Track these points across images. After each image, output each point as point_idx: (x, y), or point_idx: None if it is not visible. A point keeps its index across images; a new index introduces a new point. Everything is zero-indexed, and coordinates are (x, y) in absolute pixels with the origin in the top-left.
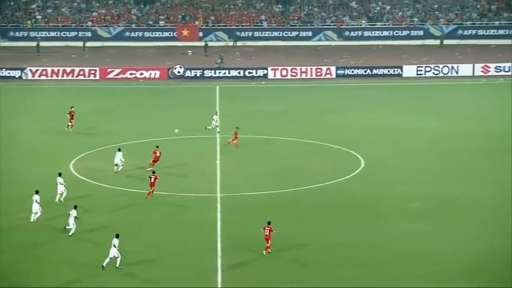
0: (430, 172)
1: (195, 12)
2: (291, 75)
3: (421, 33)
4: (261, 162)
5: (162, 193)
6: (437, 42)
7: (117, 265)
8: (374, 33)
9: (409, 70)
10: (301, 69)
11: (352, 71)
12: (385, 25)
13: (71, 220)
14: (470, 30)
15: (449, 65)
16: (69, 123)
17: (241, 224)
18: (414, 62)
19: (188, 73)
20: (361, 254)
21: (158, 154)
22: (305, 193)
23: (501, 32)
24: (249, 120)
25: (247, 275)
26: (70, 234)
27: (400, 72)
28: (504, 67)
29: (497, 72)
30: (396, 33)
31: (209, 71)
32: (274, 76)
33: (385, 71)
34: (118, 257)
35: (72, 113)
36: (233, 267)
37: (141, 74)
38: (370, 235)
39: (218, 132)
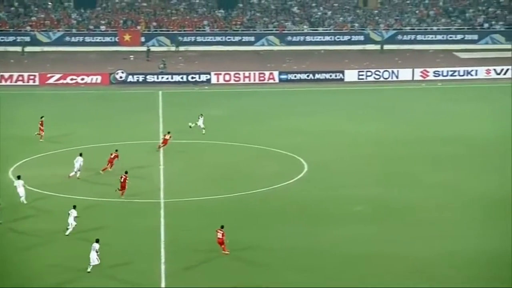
0: (373, 176)
1: (137, 16)
2: (234, 80)
3: (361, 38)
4: (205, 167)
5: (106, 200)
6: (378, 47)
7: (89, 270)
8: (316, 38)
9: (350, 75)
10: (244, 74)
11: (295, 76)
12: (326, 30)
13: (71, 220)
14: (409, 35)
15: (390, 70)
16: (39, 133)
17: (185, 229)
18: (355, 66)
19: (130, 78)
20: (306, 257)
21: (112, 157)
22: (250, 198)
23: (439, 37)
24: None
25: (191, 280)
26: (67, 233)
27: (342, 77)
28: (442, 71)
29: (435, 76)
30: (338, 38)
31: (152, 76)
32: (217, 81)
33: (327, 76)
34: (97, 263)
35: (42, 123)
36: (176, 271)
37: (82, 79)
38: (314, 239)
39: (203, 134)
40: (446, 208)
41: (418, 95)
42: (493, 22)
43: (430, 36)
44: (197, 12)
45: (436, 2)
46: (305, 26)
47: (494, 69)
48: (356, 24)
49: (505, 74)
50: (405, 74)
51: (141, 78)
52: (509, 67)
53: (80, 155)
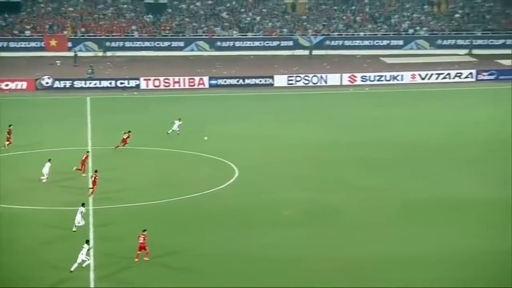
0: (303, 180)
1: (63, 21)
2: (164, 86)
3: (290, 43)
4: (135, 174)
5: (33, 208)
6: (306, 52)
7: (83, 265)
8: (246, 43)
9: (280, 80)
10: (174, 79)
11: (225, 81)
12: (256, 35)
13: (79, 217)
14: (337, 41)
15: (318, 75)
16: (7, 142)
17: (114, 236)
18: (284, 72)
19: (57, 84)
20: (236, 262)
21: (83, 158)
22: (180, 204)
23: (365, 42)
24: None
25: (120, 286)
26: (74, 229)
27: (272, 82)
28: (369, 76)
29: (363, 81)
30: (267, 43)
31: (79, 81)
32: (147, 86)
33: (257, 81)
34: (88, 261)
35: (10, 131)
36: (105, 278)
37: (7, 85)
38: (244, 243)
39: (168, 132)
40: (375, 212)
41: (347, 100)
42: (417, 28)
43: (357, 41)
44: (125, 17)
45: (362, 8)
46: (234, 32)
47: (419, 74)
48: (285, 30)
49: (429, 79)
50: (333, 79)
51: (68, 83)
52: (433, 72)
53: (49, 160)
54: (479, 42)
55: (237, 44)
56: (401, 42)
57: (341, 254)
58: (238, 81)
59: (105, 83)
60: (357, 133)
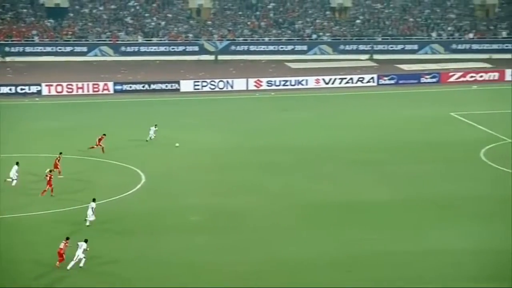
0: (210, 184)
1: None
2: (67, 91)
3: (196, 48)
4: (42, 181)
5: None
6: (212, 57)
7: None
8: (151, 48)
9: (186, 85)
10: (77, 85)
11: (130, 87)
12: (161, 40)
13: (90, 212)
14: (243, 46)
15: (225, 80)
16: None
17: (23, 245)
18: (191, 77)
19: None
20: (144, 268)
21: (57, 162)
22: (84, 211)
23: (270, 48)
24: (24, 139)
25: None
26: (88, 224)
27: (178, 87)
28: (275, 81)
29: (268, 86)
30: (173, 48)
31: None
32: (49, 92)
33: (163, 86)
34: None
35: None
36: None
37: None
38: (153, 249)
39: (148, 140)
40: (278, 215)
41: (253, 105)
42: (320, 34)
43: (262, 46)
44: (25, 21)
45: (266, 14)
46: (139, 37)
47: (323, 79)
48: (191, 35)
49: (333, 83)
50: (239, 84)
51: None
52: (336, 76)
53: (17, 164)
54: (380, 47)
55: (142, 49)
56: (305, 47)
57: (246, 258)
58: (143, 87)
59: (4, 89)
60: (263, 138)
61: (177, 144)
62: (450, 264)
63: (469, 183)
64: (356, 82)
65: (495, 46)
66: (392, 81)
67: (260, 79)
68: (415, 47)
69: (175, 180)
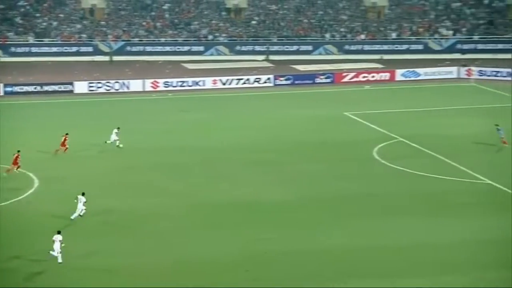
0: (108, 187)
1: None
2: None
3: (90, 49)
4: None
5: None
6: (107, 58)
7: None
8: (43, 49)
9: (80, 86)
10: None
11: (21, 88)
12: (53, 41)
13: (80, 206)
14: (138, 47)
15: (120, 81)
16: None
17: None
18: (85, 78)
19: None
20: (56, 271)
21: (15, 157)
22: None
23: (167, 48)
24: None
25: None
26: (81, 214)
27: (72, 89)
28: (172, 82)
29: (166, 87)
30: (66, 49)
31: None
32: None
33: (57, 88)
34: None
35: None
36: None
37: None
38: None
39: (118, 146)
40: (179, 216)
41: (150, 106)
42: (217, 34)
43: (159, 47)
44: None
45: (162, 14)
46: (30, 37)
47: (220, 79)
48: (84, 35)
49: (230, 84)
50: (136, 85)
51: None
52: (233, 77)
53: None
54: (276, 48)
55: (34, 50)
56: (201, 48)
57: (145, 259)
58: (35, 88)
59: None
60: (163, 139)
61: (121, 145)
62: (346, 261)
63: (362, 181)
64: (253, 83)
65: (385, 47)
66: (288, 82)
67: (157, 80)
68: (310, 48)
69: (74, 183)
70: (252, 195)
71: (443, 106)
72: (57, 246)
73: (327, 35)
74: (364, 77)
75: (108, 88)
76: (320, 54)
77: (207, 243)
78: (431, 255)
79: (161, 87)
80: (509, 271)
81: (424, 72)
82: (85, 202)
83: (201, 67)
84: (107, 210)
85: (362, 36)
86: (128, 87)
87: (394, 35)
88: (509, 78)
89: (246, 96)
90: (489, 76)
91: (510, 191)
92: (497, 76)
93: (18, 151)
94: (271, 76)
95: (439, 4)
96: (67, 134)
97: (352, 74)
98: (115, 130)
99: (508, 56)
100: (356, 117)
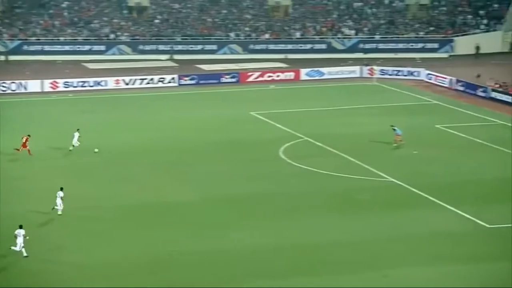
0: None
1: None
2: None
3: None
4: None
5: None
6: (2, 57)
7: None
8: None
9: None
10: None
11: None
12: None
13: (59, 201)
14: (36, 46)
15: (17, 81)
16: None
17: None
18: None
19: None
20: None
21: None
22: None
23: (66, 48)
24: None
25: None
26: (59, 213)
27: None
28: (72, 82)
29: (66, 87)
30: None
31: None
32: None
33: None
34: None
35: None
36: None
37: None
38: None
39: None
40: (87, 218)
41: (50, 107)
42: (118, 33)
43: (58, 46)
44: None
45: (60, 13)
46: None
47: (123, 79)
48: None
49: (133, 84)
50: (34, 85)
51: None
52: (137, 77)
53: None
54: (180, 47)
55: None
56: (103, 47)
57: (50, 265)
58: None
59: None
60: (62, 141)
61: (96, 150)
62: (255, 261)
63: (268, 181)
64: (157, 83)
65: (290, 46)
66: (193, 81)
67: (57, 80)
68: (214, 47)
69: None
70: (157, 196)
71: (346, 105)
72: (19, 240)
73: (232, 34)
74: (269, 76)
75: (4, 89)
76: (225, 53)
77: (112, 245)
78: (337, 253)
79: (61, 88)
80: (412, 268)
81: (328, 72)
82: (62, 197)
83: (102, 66)
84: (17, 217)
85: (267, 36)
86: (25, 88)
87: (298, 34)
88: (409, 77)
89: (150, 96)
90: (390, 75)
91: (411, 188)
92: (398, 75)
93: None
94: (176, 76)
95: (341, 3)
96: (29, 135)
97: (257, 74)
98: (76, 133)
99: (408, 55)
100: (262, 117)
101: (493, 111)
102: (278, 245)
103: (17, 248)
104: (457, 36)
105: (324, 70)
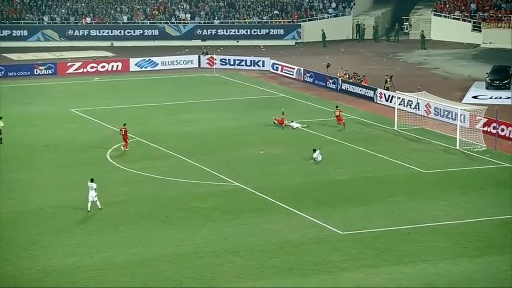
0: None
1: None
2: None
3: None
4: None
5: None
6: None
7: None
8: None
9: None
10: None
11: None
12: None
13: (93, 193)
14: None
15: None
16: None
17: None
18: None
19: None
20: None
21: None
22: None
23: None
24: None
25: None
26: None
27: None
28: None
29: None
30: None
31: None
32: None
33: None
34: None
35: None
36: None
37: None
38: None
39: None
40: None
41: None
42: None
43: None
44: None
45: None
46: None
47: None
48: None
49: None
50: None
51: None
52: None
53: None
54: None
55: None
56: None
57: None
58: None
59: None
60: None
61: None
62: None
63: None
64: None
65: (116, 33)
66: (0, 73)
67: None
68: (25, 33)
69: None
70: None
71: (184, 100)
72: (92, 193)
73: (46, 18)
74: (93, 67)
75: None
76: (37, 40)
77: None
78: (167, 268)
79: None
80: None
81: (162, 61)
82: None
83: None
84: None
85: (88, 20)
86: None
87: (125, 18)
88: (253, 67)
89: None
90: (232, 65)
91: (257, 192)
92: (241, 65)
93: (124, 124)
94: None
95: None
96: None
97: (78, 64)
98: None
99: (251, 42)
100: (85, 114)
101: (345, 104)
102: (97, 263)
103: (90, 200)
104: (304, 21)
105: (157, 59)
